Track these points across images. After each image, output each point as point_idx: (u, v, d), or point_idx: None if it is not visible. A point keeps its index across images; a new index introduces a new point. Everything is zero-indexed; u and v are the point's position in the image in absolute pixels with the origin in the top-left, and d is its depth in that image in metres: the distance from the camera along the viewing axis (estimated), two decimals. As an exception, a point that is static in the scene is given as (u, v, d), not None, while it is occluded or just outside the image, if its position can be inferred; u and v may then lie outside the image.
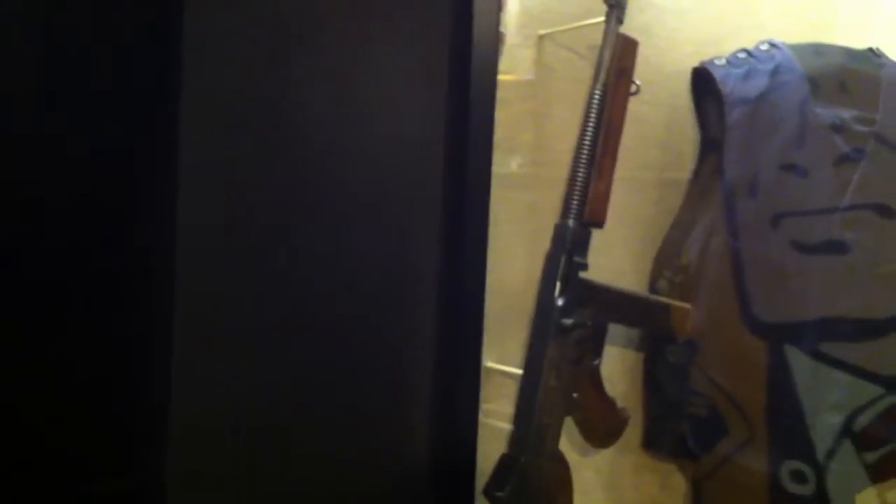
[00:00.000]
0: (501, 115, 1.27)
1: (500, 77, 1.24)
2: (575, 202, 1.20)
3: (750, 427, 1.37)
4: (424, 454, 0.85)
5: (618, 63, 1.20)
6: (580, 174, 1.20)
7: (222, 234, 0.68)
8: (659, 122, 1.47)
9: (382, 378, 0.80)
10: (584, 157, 1.20)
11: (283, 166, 0.69)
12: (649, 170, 1.47)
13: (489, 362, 1.28)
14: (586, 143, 1.20)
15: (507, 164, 1.29)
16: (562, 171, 1.24)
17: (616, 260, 1.43)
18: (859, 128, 1.41)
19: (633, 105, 1.41)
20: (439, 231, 0.82)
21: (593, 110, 1.20)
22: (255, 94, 0.68)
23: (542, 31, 1.30)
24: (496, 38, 0.84)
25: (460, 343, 0.89)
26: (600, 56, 1.21)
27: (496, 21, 0.83)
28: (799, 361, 1.38)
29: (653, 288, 1.44)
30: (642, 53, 1.42)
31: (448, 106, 0.82)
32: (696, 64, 1.44)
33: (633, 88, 1.22)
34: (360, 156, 0.76)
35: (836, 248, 1.41)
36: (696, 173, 1.46)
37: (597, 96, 1.20)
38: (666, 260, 1.45)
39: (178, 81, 0.66)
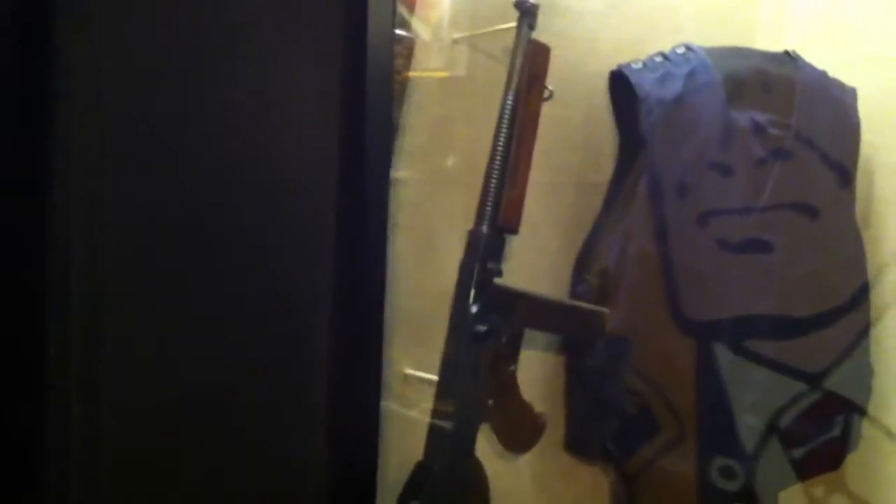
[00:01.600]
0: (415, 119, 1.26)
1: (413, 79, 1.24)
2: (488, 208, 1.19)
3: (680, 425, 1.38)
4: (322, 465, 0.84)
5: (529, 69, 1.19)
6: (493, 180, 1.19)
7: (112, 239, 0.66)
8: (577, 125, 1.47)
9: (277, 385, 0.78)
10: (497, 163, 1.19)
11: (165, 172, 0.67)
12: (567, 173, 1.46)
13: (408, 369, 1.28)
14: (499, 149, 1.19)
15: (420, 168, 1.28)
16: (478, 176, 1.24)
17: (535, 264, 1.43)
18: (774, 131, 1.43)
19: (552, 108, 1.41)
20: (335, 236, 0.81)
21: (505, 116, 1.20)
22: (137, 97, 0.66)
23: (456, 35, 1.29)
24: (391, 40, 0.82)
25: (361, 349, 0.88)
26: (512, 62, 1.21)
27: (391, 23, 0.81)
28: (725, 359, 1.40)
29: (573, 292, 1.44)
30: (561, 56, 1.42)
31: (342, 109, 0.80)
32: (613, 67, 1.44)
33: (546, 94, 1.21)
34: (252, 160, 0.74)
35: (760, 247, 1.43)
36: (615, 176, 1.47)
37: (509, 102, 1.20)
38: (585, 264, 1.45)
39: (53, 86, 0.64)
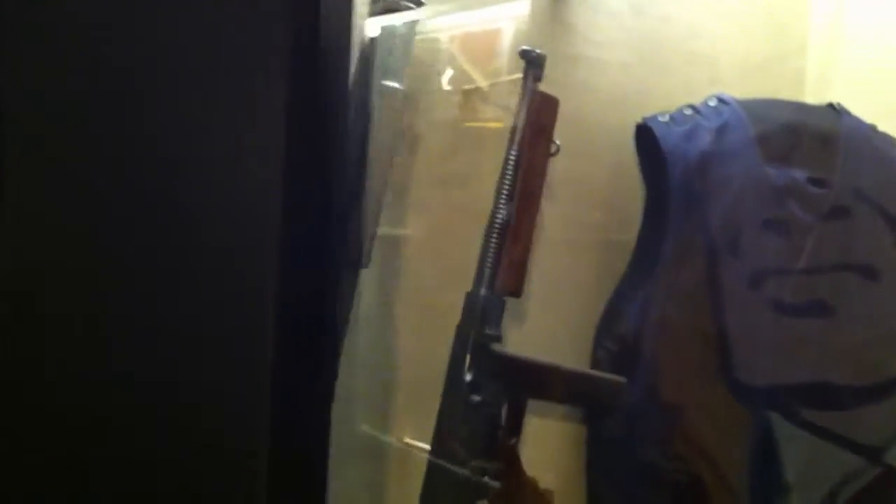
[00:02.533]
0: (421, 173, 1.21)
1: (419, 132, 1.19)
2: (487, 270, 1.12)
3: (732, 495, 1.29)
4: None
5: (534, 122, 1.13)
6: (493, 240, 1.12)
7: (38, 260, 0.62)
8: (601, 180, 1.39)
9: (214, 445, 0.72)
10: (497, 221, 1.12)
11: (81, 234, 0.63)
12: (590, 231, 1.38)
13: (408, 438, 1.21)
14: (501, 206, 1.13)
15: (424, 225, 1.22)
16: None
17: (554, 329, 1.35)
18: (816, 189, 1.33)
19: (573, 163, 1.34)
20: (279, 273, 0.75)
21: (508, 172, 1.13)
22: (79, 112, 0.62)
23: (466, 86, 1.24)
24: (345, 79, 0.77)
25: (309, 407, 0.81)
26: (517, 114, 1.14)
27: (346, 62, 0.76)
28: (781, 428, 1.31)
29: (594, 358, 1.36)
30: (583, 109, 1.36)
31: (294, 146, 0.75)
32: (640, 118, 1.36)
33: (553, 149, 1.14)
34: (186, 206, 0.69)
35: (818, 309, 1.34)
36: (641, 234, 1.38)
37: (512, 157, 1.13)
38: (606, 328, 1.36)
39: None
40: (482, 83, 1.23)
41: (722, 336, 1.28)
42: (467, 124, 1.25)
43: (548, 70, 1.21)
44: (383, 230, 1.11)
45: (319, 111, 0.75)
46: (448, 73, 1.22)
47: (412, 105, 1.19)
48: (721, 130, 1.31)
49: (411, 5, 1.10)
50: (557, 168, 1.28)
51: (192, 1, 0.67)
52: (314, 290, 0.77)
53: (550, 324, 1.34)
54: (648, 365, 1.30)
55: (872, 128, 1.39)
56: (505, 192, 1.13)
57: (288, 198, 0.73)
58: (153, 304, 0.67)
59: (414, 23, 1.08)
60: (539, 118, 1.13)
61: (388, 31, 1.07)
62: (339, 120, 0.77)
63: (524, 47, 1.14)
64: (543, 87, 1.19)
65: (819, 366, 1.31)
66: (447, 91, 1.22)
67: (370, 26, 1.09)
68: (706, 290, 1.30)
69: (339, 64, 0.76)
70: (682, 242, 1.30)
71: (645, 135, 1.35)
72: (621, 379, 1.21)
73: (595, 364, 1.34)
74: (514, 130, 1.14)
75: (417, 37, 1.19)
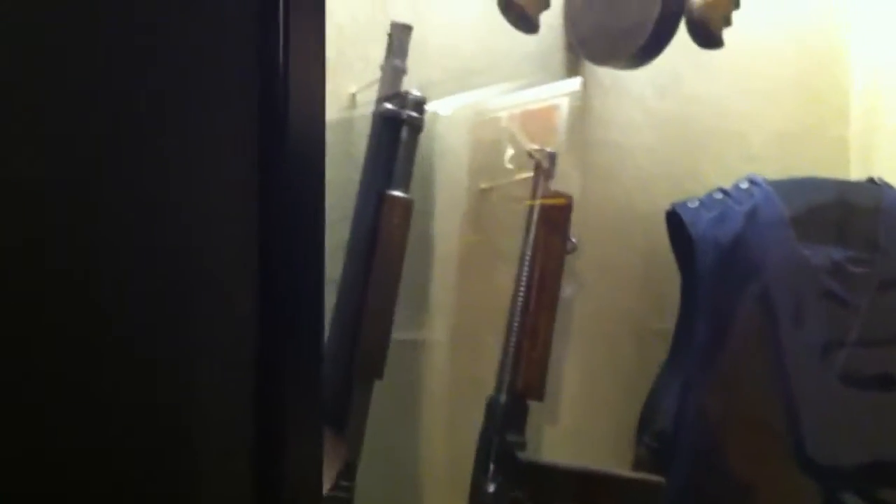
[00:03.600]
0: (439, 275, 1.19)
1: (439, 232, 1.18)
2: (507, 373, 1.09)
3: None
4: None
5: (546, 221, 1.10)
6: (512, 342, 1.10)
7: None
8: (635, 268, 1.36)
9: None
10: (515, 323, 1.10)
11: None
12: (627, 321, 1.35)
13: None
14: (518, 308, 1.10)
15: (445, 327, 1.20)
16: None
17: (593, 424, 1.31)
18: (856, 269, 1.28)
19: (604, 251, 1.31)
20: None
21: (524, 273, 1.11)
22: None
23: (483, 185, 1.22)
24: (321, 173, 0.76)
25: None
26: (529, 215, 1.12)
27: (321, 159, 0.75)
28: None
29: (636, 456, 1.31)
30: (609, 196, 1.34)
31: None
32: (671, 202, 1.33)
33: (570, 246, 1.11)
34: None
35: (889, 382, 1.30)
36: (679, 321, 1.33)
37: (527, 258, 1.11)
38: (646, 423, 1.31)
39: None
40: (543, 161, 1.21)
41: (791, 411, 1.24)
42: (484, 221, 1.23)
43: (569, 157, 1.20)
44: (399, 335, 1.09)
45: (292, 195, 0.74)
46: (509, 153, 1.21)
47: (429, 206, 1.18)
48: (752, 213, 1.27)
49: (417, 96, 1.08)
50: (586, 258, 1.25)
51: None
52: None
53: (588, 423, 1.30)
54: (702, 453, 1.26)
55: (918, 199, 1.33)
56: (521, 292, 1.11)
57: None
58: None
59: (417, 129, 1.07)
60: (552, 217, 1.10)
61: (391, 138, 1.07)
62: (316, 215, 0.76)
63: (533, 146, 1.12)
64: (564, 174, 1.17)
65: (892, 442, 1.28)
66: (508, 169, 1.20)
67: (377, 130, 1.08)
68: (764, 367, 1.26)
69: (313, 155, 0.75)
70: (719, 327, 1.26)
71: (675, 220, 1.31)
72: (659, 479, 1.16)
73: (637, 463, 1.29)
74: (527, 230, 1.12)
75: (479, 117, 1.21)
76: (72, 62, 0.66)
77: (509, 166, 1.21)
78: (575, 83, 1.24)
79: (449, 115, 1.19)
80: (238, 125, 0.72)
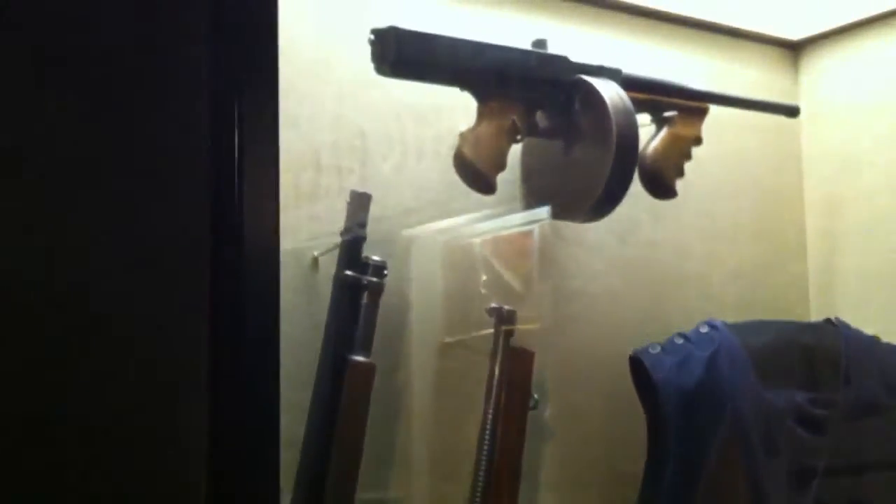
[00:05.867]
0: (402, 429, 1.20)
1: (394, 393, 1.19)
2: (473, 532, 1.09)
3: None
4: None
5: (509, 378, 1.12)
6: (477, 499, 1.10)
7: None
8: (601, 413, 1.37)
9: None
10: (480, 480, 1.11)
11: None
12: (596, 467, 1.35)
13: None
14: (482, 465, 1.11)
15: (413, 487, 1.21)
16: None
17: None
18: (818, 410, 1.30)
19: (570, 400, 1.33)
20: None
21: (487, 430, 1.12)
22: None
23: (447, 339, 1.24)
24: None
25: None
26: (490, 371, 1.14)
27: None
28: None
29: None
30: (574, 343, 1.36)
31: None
32: (636, 346, 1.35)
33: (531, 402, 1.13)
34: None
35: None
36: (648, 464, 1.33)
37: (489, 415, 1.12)
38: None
39: None
40: (517, 287, 1.23)
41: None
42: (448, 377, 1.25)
43: (542, 283, 1.24)
44: (365, 495, 1.10)
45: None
46: (482, 278, 1.23)
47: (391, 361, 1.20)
48: (713, 358, 1.29)
49: (377, 261, 1.12)
50: (552, 407, 1.27)
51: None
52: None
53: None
54: None
55: (874, 339, 1.36)
56: (485, 449, 1.12)
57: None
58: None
59: (378, 294, 1.10)
60: (513, 374, 1.12)
61: (353, 303, 1.10)
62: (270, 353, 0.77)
63: (493, 304, 1.15)
64: (525, 326, 1.19)
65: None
66: (483, 295, 1.22)
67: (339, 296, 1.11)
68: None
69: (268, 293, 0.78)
70: (689, 469, 1.26)
71: (638, 366, 1.33)
72: None
73: None
74: (488, 387, 1.14)
75: (453, 242, 1.24)
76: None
77: (483, 291, 1.23)
78: (543, 211, 1.27)
79: (422, 241, 1.23)
80: (191, 277, 0.75)
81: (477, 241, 1.26)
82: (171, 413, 0.74)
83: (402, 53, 1.11)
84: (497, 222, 1.27)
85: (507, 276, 1.25)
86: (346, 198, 1.13)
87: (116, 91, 0.73)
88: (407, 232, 1.22)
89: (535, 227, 1.26)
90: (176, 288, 0.75)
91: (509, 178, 1.27)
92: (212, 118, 0.77)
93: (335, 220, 1.15)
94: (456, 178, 1.19)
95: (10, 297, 0.68)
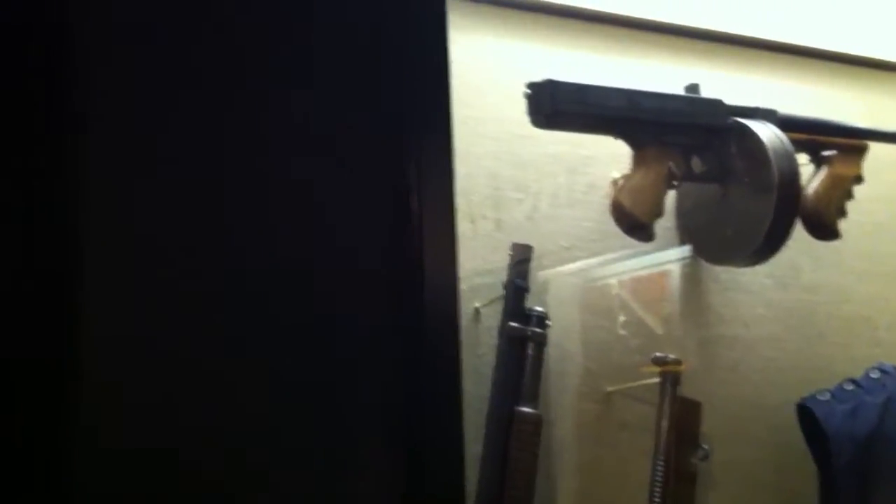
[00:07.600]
0: (565, 484, 1.19)
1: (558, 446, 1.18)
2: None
3: None
4: None
5: (677, 428, 1.10)
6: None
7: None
8: (766, 463, 1.32)
9: None
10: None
11: None
12: (762, 521, 1.31)
13: None
14: (655, 519, 1.09)
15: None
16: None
17: None
18: None
19: (734, 450, 1.29)
20: None
21: (657, 482, 1.10)
22: None
23: (609, 388, 1.23)
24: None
25: None
26: (658, 423, 1.12)
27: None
28: None
29: None
30: (735, 392, 1.32)
31: None
32: (800, 394, 1.31)
33: (701, 454, 1.10)
34: None
35: None
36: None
37: (659, 467, 1.10)
38: None
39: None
40: (657, 329, 1.22)
41: None
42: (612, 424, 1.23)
43: (684, 324, 1.22)
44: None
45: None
46: (621, 319, 1.22)
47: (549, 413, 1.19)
48: (887, 404, 1.23)
49: (540, 312, 1.12)
50: (716, 458, 1.23)
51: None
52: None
53: None
54: None
55: None
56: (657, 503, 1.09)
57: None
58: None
59: (542, 344, 1.10)
60: (681, 425, 1.10)
61: (518, 354, 1.10)
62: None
63: (657, 354, 1.13)
64: (689, 373, 1.16)
65: None
66: (622, 336, 1.21)
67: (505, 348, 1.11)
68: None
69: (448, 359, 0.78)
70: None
71: (807, 415, 1.29)
72: None
73: None
74: (657, 440, 1.11)
75: (589, 284, 1.23)
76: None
77: (622, 332, 1.21)
78: (685, 250, 1.25)
79: (560, 283, 1.22)
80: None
81: (614, 281, 1.25)
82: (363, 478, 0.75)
83: (557, 105, 1.11)
84: (631, 263, 1.25)
85: (646, 317, 1.23)
86: (509, 250, 1.13)
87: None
88: (542, 273, 1.21)
89: (676, 266, 1.23)
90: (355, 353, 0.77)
91: (665, 223, 1.25)
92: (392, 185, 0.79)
93: (494, 272, 1.16)
94: (609, 224, 1.18)
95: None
